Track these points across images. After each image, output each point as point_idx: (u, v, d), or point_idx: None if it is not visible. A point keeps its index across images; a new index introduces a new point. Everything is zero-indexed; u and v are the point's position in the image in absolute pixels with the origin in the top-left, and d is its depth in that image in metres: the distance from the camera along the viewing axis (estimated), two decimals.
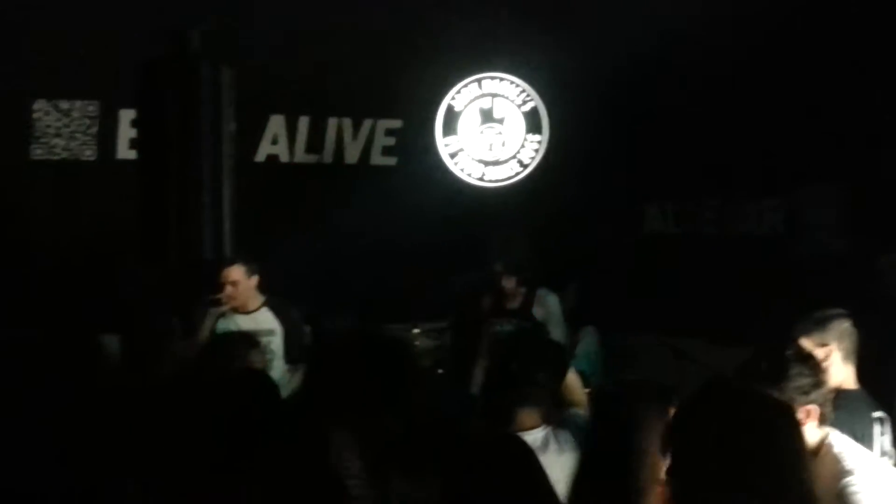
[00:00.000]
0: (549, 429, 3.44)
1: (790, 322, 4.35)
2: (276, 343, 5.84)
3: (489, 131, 7.61)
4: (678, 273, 7.19)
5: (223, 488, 2.80)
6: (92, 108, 6.96)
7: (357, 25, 6.91)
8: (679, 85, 7.14)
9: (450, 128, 7.55)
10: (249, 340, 4.53)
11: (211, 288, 5.90)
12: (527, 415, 3.44)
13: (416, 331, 6.76)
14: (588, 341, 6.81)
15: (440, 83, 7.45)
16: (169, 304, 6.23)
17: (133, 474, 3.08)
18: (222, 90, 4.64)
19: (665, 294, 7.10)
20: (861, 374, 4.06)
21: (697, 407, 2.35)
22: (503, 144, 7.62)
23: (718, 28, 6.37)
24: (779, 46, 6.41)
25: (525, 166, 7.62)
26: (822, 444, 3.14)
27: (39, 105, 6.84)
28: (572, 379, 3.82)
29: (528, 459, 2.55)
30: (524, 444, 2.64)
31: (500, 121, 7.63)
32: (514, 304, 6.14)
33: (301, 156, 7.71)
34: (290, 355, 5.83)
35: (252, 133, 7.55)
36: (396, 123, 7.84)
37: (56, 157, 6.93)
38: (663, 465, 2.43)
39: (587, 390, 4.06)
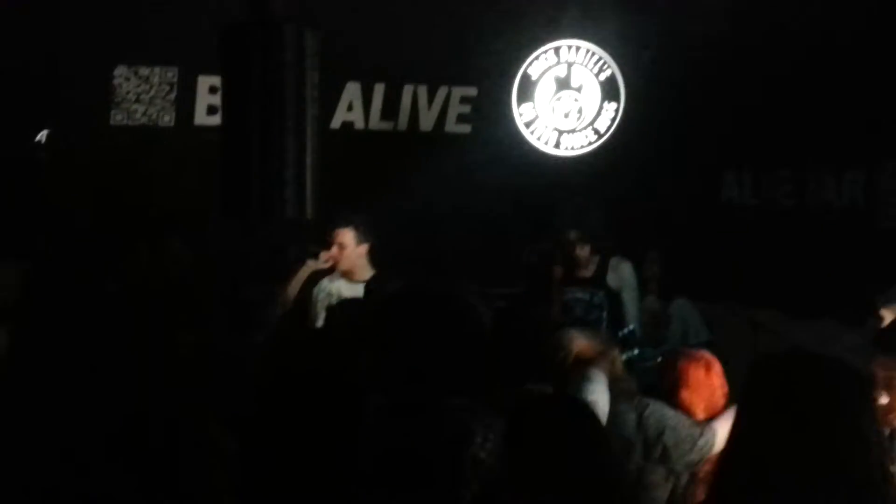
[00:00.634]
0: None
1: (869, 294, 4.30)
2: None
3: (565, 99, 7.56)
4: (755, 243, 7.08)
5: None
6: (171, 74, 7.04)
7: None
8: (759, 52, 7.00)
9: (525, 96, 7.52)
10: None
11: (296, 248, 5.89)
12: None
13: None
14: (684, 311, 6.72)
15: (516, 51, 7.40)
16: (260, 270, 6.24)
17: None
18: (306, 54, 4.64)
19: (742, 264, 7.01)
20: None
21: (771, 377, 2.31)
22: (579, 112, 7.56)
23: None
24: (863, 13, 6.26)
25: (601, 135, 7.55)
26: None
27: (120, 71, 6.94)
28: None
29: (594, 423, 2.56)
30: (587, 407, 2.64)
31: (577, 88, 7.57)
32: (587, 272, 6.09)
33: (376, 123, 7.71)
34: None
35: (327, 100, 7.54)
36: (472, 91, 7.80)
37: (135, 123, 7.04)
38: None
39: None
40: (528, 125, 7.54)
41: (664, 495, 3.81)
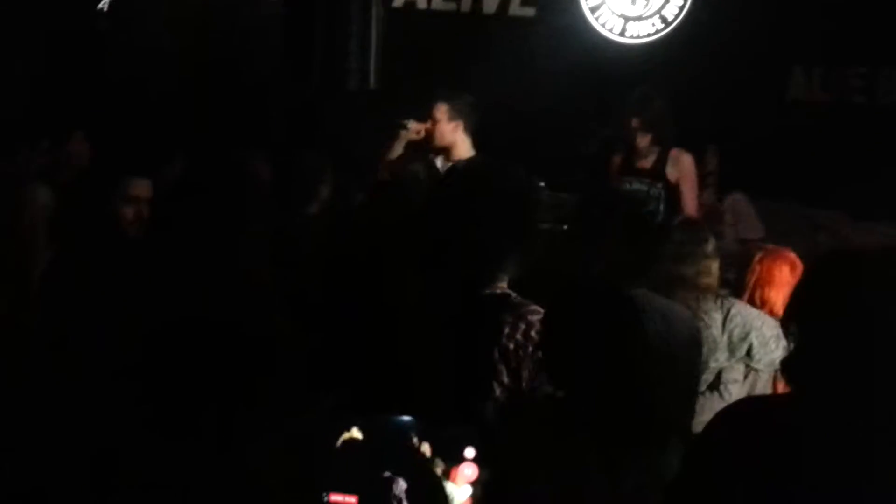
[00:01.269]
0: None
1: None
2: None
3: None
4: (822, 141, 6.92)
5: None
6: None
7: None
8: None
9: None
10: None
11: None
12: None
13: (542, 184, 6.70)
14: (738, 207, 6.64)
15: None
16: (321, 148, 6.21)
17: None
18: None
19: (806, 162, 6.87)
20: None
21: (822, 280, 2.27)
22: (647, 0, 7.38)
23: None
24: None
25: (668, 23, 7.36)
26: None
27: None
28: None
29: (631, 315, 2.54)
30: (630, 300, 2.63)
31: None
32: (647, 163, 6.00)
33: (439, 3, 7.62)
34: None
35: None
36: None
37: None
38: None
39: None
40: (593, 11, 7.38)
41: (742, 392, 3.82)
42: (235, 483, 2.64)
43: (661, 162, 5.98)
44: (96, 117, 5.97)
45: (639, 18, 7.38)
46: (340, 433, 2.47)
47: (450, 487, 2.43)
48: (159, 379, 2.46)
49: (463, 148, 5.82)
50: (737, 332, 3.85)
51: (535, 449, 2.52)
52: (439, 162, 5.84)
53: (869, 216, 6.49)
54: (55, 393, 3.11)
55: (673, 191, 5.92)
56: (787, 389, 3.14)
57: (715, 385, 3.85)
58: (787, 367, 2.24)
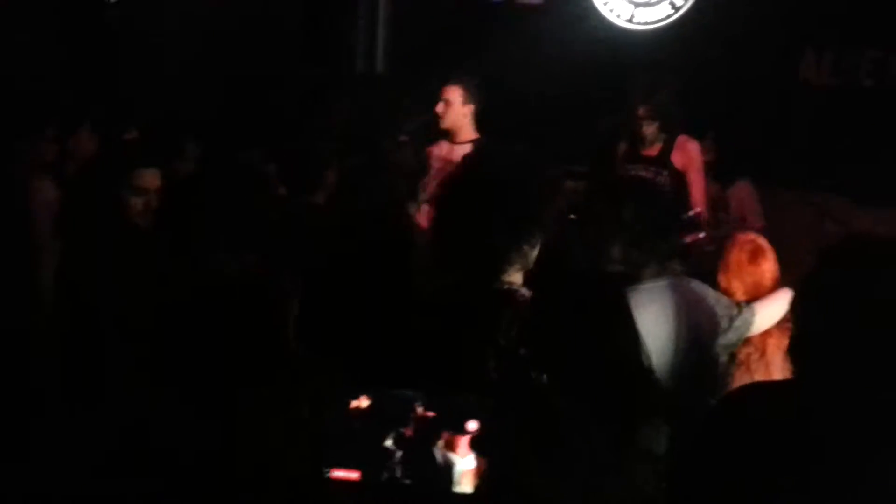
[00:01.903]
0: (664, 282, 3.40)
1: None
2: None
3: None
4: (831, 126, 6.90)
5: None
6: None
7: None
8: None
9: None
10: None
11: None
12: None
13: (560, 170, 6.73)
14: (742, 195, 6.64)
15: None
16: (330, 128, 6.25)
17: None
18: None
19: (815, 148, 6.85)
20: None
21: (828, 265, 2.29)
22: None
23: None
24: None
25: (677, 9, 7.35)
26: None
27: None
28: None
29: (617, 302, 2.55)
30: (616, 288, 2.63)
31: None
32: (653, 150, 5.98)
33: None
34: None
35: None
36: None
37: None
38: None
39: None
40: None
41: None
42: (241, 454, 2.70)
43: (668, 149, 5.96)
44: (105, 107, 6.02)
45: (648, 4, 7.37)
46: (345, 406, 2.49)
47: (453, 458, 2.46)
48: (174, 352, 2.53)
49: (468, 131, 5.99)
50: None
51: (527, 430, 2.53)
52: (445, 146, 5.94)
53: (878, 201, 6.48)
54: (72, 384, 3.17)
55: (679, 178, 5.91)
56: (744, 376, 3.19)
57: None
58: (792, 350, 2.27)
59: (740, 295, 3.89)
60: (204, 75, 6.74)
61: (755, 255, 3.96)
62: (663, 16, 7.36)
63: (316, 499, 2.53)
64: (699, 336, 3.47)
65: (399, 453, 2.47)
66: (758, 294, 3.90)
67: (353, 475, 2.47)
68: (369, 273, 3.50)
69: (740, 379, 3.75)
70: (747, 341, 3.80)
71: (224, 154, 4.98)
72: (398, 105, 6.39)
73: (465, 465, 2.45)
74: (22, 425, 3.67)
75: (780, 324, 3.80)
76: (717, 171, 6.46)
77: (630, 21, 7.37)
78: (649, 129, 5.93)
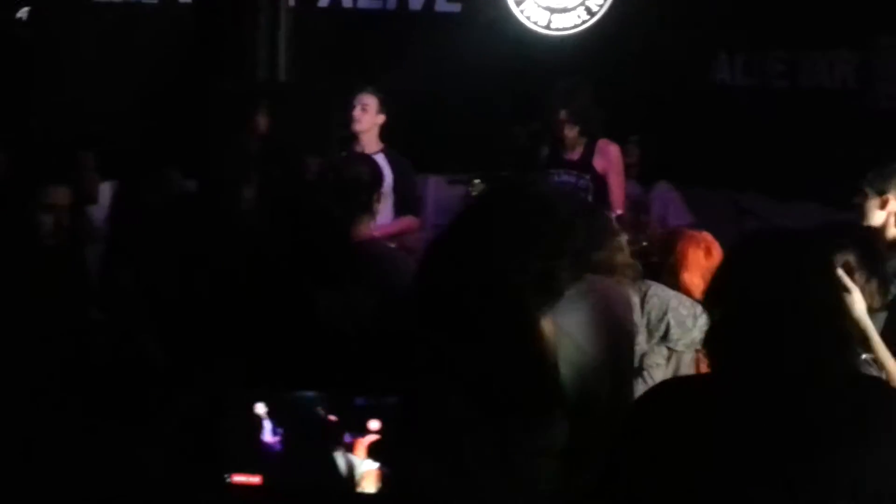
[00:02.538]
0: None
1: (860, 177, 4.28)
2: (384, 189, 5.82)
3: None
4: (745, 126, 7.02)
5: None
6: None
7: None
8: None
9: None
10: None
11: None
12: None
13: (476, 181, 6.74)
14: (664, 196, 6.72)
15: None
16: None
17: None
18: None
19: (731, 147, 6.96)
20: None
21: (740, 260, 2.35)
22: None
23: None
24: None
25: (593, 14, 7.43)
26: None
27: None
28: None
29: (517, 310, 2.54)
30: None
31: None
32: (574, 154, 6.03)
33: (365, 1, 7.61)
34: (397, 205, 5.93)
35: None
36: None
37: (119, 1, 6.94)
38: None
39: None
40: (518, 4, 7.41)
41: (665, 376, 3.85)
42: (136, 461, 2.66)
43: (589, 153, 6.01)
44: (18, 125, 5.91)
45: (564, 10, 7.43)
46: (244, 409, 2.46)
47: (355, 460, 2.44)
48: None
49: (376, 141, 6.04)
50: (654, 314, 3.86)
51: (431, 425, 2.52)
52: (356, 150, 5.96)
53: (793, 198, 6.60)
54: None
55: (600, 182, 5.96)
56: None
57: (638, 370, 3.88)
58: (707, 345, 2.32)
59: (699, 293, 3.93)
60: (114, 91, 6.68)
61: (710, 250, 4.04)
62: (579, 21, 7.44)
63: None
64: (621, 335, 3.48)
65: (300, 456, 2.45)
66: None
67: (255, 479, 2.45)
68: (277, 279, 3.48)
69: (703, 371, 3.79)
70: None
71: (138, 171, 4.90)
72: (327, 116, 6.34)
73: (366, 467, 2.44)
74: None
75: None
76: (639, 173, 6.54)
77: (547, 27, 7.42)
78: (570, 134, 5.98)
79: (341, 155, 5.66)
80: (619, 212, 5.69)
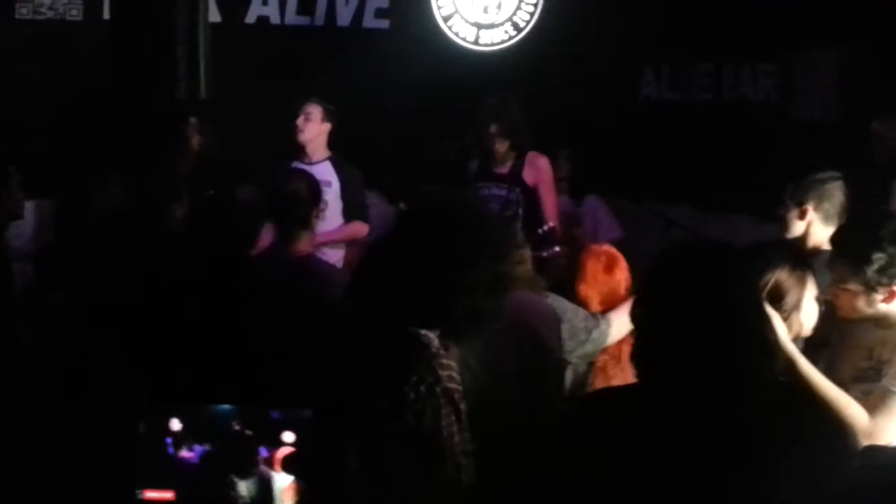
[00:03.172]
0: None
1: (782, 188, 4.36)
2: (331, 195, 5.88)
3: None
4: (672, 139, 7.13)
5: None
6: None
7: None
8: None
9: None
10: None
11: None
12: None
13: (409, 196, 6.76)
14: (594, 209, 6.78)
15: None
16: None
17: None
18: None
19: (659, 161, 7.06)
20: None
21: (660, 272, 2.37)
22: (498, 7, 7.50)
23: None
24: None
25: (520, 30, 7.50)
26: None
27: None
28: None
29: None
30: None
31: None
32: (504, 168, 6.07)
33: (292, 18, 7.58)
34: (345, 212, 6.01)
35: None
36: None
37: (41, 17, 6.83)
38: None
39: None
40: (446, 20, 7.46)
41: None
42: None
43: (519, 167, 6.05)
44: None
45: (491, 26, 7.49)
46: (158, 424, 2.43)
47: (272, 474, 2.43)
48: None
49: (323, 149, 6.11)
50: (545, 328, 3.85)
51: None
52: (300, 167, 5.90)
53: (721, 209, 6.71)
54: None
55: (531, 195, 6.00)
56: (602, 383, 3.28)
57: None
58: (633, 356, 2.33)
59: (596, 305, 3.96)
60: (37, 108, 6.59)
61: (610, 265, 4.04)
62: (506, 37, 7.50)
63: None
64: (536, 348, 3.50)
65: (215, 472, 2.43)
66: (613, 303, 3.97)
67: (167, 495, 2.42)
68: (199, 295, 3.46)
69: (599, 385, 3.81)
70: (604, 349, 3.86)
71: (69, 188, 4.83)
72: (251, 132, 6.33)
73: (283, 482, 2.43)
74: None
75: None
76: (570, 187, 6.60)
77: (475, 43, 7.48)
78: (500, 148, 6.02)
79: (280, 170, 5.63)
80: (552, 224, 5.73)
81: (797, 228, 4.20)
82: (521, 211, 5.91)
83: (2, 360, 3.36)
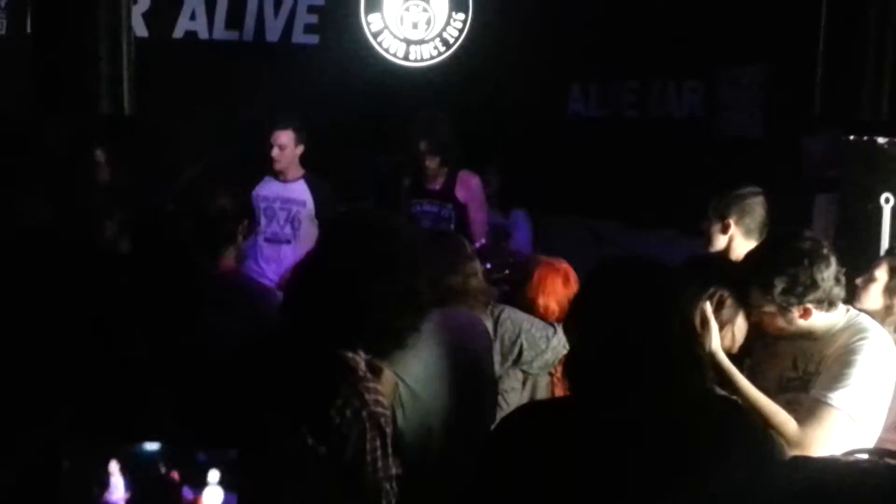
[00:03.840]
0: None
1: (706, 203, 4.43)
2: (304, 214, 6.01)
3: (414, 9, 7.50)
4: (600, 155, 7.21)
5: None
6: None
7: None
8: None
9: (373, 5, 7.44)
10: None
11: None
12: None
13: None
14: (522, 223, 6.83)
15: None
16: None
17: None
18: None
19: (586, 177, 7.13)
20: None
21: (591, 287, 2.43)
22: (427, 23, 7.52)
23: None
24: None
25: (449, 45, 7.54)
26: (836, 323, 3.19)
27: None
28: None
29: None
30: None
31: None
32: (436, 185, 6.10)
33: (220, 33, 7.53)
34: (320, 229, 5.92)
35: (169, 9, 7.36)
36: (319, 1, 7.68)
37: None
38: None
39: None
40: (375, 36, 7.46)
41: (521, 399, 3.89)
42: None
43: (451, 184, 6.10)
44: None
45: (421, 42, 7.52)
46: (86, 464, 2.40)
47: None
48: None
49: (297, 169, 6.16)
50: (507, 336, 3.89)
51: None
52: (277, 186, 6.06)
53: (649, 224, 6.80)
54: None
55: (462, 211, 6.04)
56: (562, 392, 3.30)
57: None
58: (565, 369, 2.38)
59: (557, 315, 4.00)
60: None
61: (567, 278, 4.12)
62: (436, 53, 7.53)
63: None
64: (474, 362, 3.52)
65: None
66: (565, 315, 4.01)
67: None
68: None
69: (559, 394, 3.86)
70: (563, 358, 3.90)
71: None
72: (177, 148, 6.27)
73: None
74: None
75: None
76: (500, 202, 6.65)
77: (405, 59, 7.49)
78: (431, 164, 6.05)
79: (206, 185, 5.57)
80: (482, 241, 5.77)
81: (720, 242, 4.29)
82: (452, 227, 5.95)
83: None
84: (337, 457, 2.48)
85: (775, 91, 6.32)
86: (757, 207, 4.27)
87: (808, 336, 3.20)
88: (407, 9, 7.46)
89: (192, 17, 7.44)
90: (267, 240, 6.06)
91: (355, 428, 2.48)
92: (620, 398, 2.23)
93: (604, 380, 2.25)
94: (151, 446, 2.44)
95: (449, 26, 7.52)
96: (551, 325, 3.97)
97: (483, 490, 2.33)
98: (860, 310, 3.43)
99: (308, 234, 5.88)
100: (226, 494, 2.42)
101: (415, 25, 7.50)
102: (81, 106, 4.54)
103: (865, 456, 2.30)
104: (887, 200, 4.19)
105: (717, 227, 4.29)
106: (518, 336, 3.89)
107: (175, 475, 2.41)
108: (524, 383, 4.03)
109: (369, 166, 7.04)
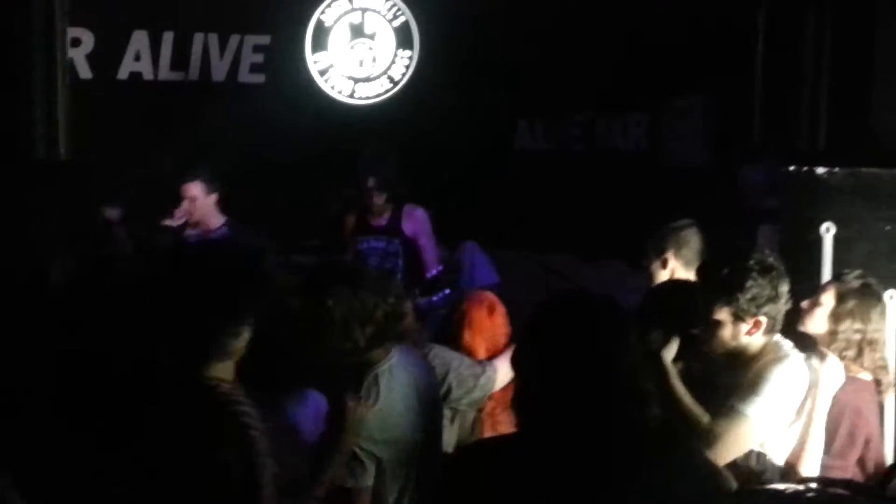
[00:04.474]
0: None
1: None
2: None
3: (360, 47, 7.53)
4: (547, 189, 7.24)
5: None
6: None
7: None
8: (546, 2, 7.14)
9: (319, 44, 7.45)
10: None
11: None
12: None
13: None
14: (472, 255, 6.81)
15: None
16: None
17: None
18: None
19: (535, 210, 7.16)
20: None
21: (539, 321, 2.41)
22: (374, 60, 7.55)
23: None
24: None
25: (396, 83, 7.57)
26: (766, 346, 3.30)
27: None
28: None
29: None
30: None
31: (371, 36, 7.55)
32: (382, 220, 6.09)
33: (166, 73, 7.50)
34: None
35: (113, 50, 7.32)
36: (265, 39, 7.67)
37: None
38: None
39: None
40: (322, 74, 7.47)
41: (450, 438, 3.87)
42: None
43: (397, 218, 6.09)
44: None
45: (367, 80, 7.54)
46: None
47: None
48: None
49: (217, 218, 6.11)
50: (436, 374, 3.83)
51: None
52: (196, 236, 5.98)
53: (597, 257, 6.82)
54: None
55: (411, 246, 6.03)
56: (490, 430, 3.33)
57: None
58: (513, 404, 2.37)
59: (482, 352, 4.01)
60: None
61: (492, 309, 4.11)
62: (382, 90, 7.56)
63: None
64: (433, 398, 3.54)
65: None
66: (496, 350, 4.03)
67: None
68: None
69: (487, 432, 3.87)
70: (491, 395, 3.90)
71: None
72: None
73: None
74: None
75: None
76: (445, 236, 6.64)
77: (351, 96, 7.51)
78: (378, 200, 6.04)
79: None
80: (436, 271, 5.75)
81: (662, 277, 4.34)
82: (400, 262, 5.94)
83: None
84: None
85: (718, 122, 6.40)
86: (692, 238, 4.35)
87: (737, 358, 3.28)
88: (352, 47, 7.48)
89: (137, 58, 7.39)
90: None
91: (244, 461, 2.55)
92: (565, 434, 2.23)
93: (551, 414, 2.26)
94: None
95: (395, 64, 7.55)
96: (480, 362, 3.96)
97: None
98: (803, 333, 3.48)
99: None
100: None
101: (361, 63, 7.52)
102: (15, 150, 4.50)
103: (814, 485, 2.33)
104: (828, 230, 4.22)
105: (657, 263, 4.38)
106: (447, 374, 3.87)
107: None
108: (452, 420, 4.01)
109: (317, 204, 7.01)
